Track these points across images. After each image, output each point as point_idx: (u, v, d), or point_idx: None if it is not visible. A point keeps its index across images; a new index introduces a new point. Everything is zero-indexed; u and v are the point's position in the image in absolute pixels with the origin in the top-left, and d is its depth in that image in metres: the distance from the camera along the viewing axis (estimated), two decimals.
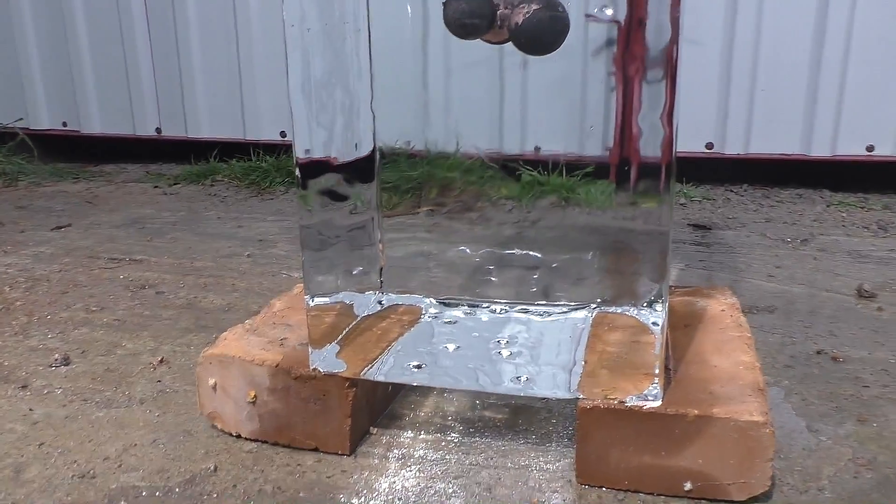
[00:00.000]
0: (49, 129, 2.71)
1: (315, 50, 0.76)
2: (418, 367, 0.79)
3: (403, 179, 1.58)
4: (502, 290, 0.99)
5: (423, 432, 0.83)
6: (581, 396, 0.71)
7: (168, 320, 1.16)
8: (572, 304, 0.93)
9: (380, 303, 0.94)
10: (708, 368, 0.77)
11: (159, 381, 0.96)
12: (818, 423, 0.84)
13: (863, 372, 0.96)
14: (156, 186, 2.31)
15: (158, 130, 2.59)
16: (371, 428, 0.83)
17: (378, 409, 0.85)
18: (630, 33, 2.06)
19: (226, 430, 0.82)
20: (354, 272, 0.92)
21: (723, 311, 0.91)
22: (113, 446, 0.80)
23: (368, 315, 0.91)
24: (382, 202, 1.04)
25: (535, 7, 0.71)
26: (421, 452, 0.79)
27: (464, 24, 0.72)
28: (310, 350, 0.78)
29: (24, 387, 0.95)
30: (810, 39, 1.99)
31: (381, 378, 0.77)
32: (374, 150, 0.91)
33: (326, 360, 0.78)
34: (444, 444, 0.80)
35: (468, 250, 1.21)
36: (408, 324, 0.89)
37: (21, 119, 2.70)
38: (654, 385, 0.71)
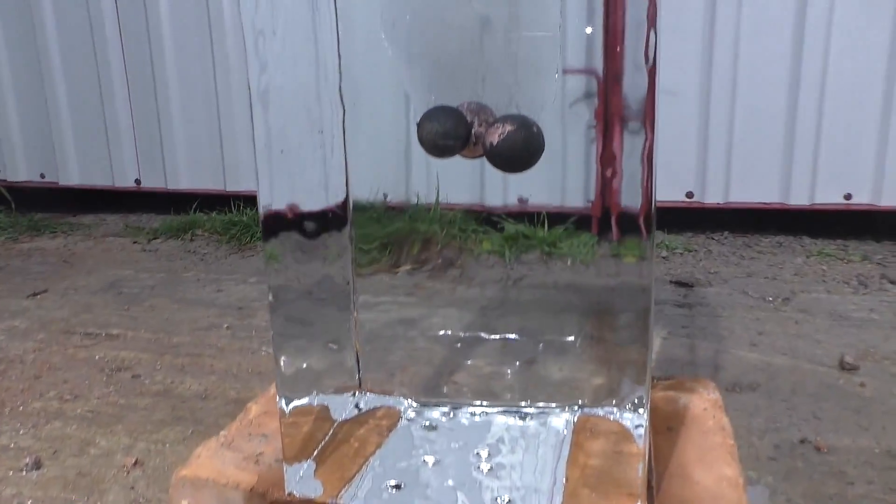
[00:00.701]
0: (27, 181, 2.68)
1: (281, 97, 0.74)
2: (397, 486, 0.77)
3: (382, 235, 1.56)
4: (483, 383, 0.98)
5: None
6: None
7: (143, 410, 1.14)
8: (554, 405, 0.92)
9: (357, 406, 0.92)
10: (690, 485, 0.76)
11: (132, 487, 0.93)
12: None
13: (847, 465, 0.95)
14: (135, 242, 2.28)
15: (138, 182, 2.57)
16: None
17: None
18: (608, 87, 2.07)
19: None
20: (329, 363, 0.90)
21: (705, 410, 0.91)
22: None
23: (345, 420, 0.89)
24: (358, 261, 1.03)
25: (509, 128, 0.70)
26: None
27: (437, 146, 0.71)
28: (284, 469, 0.76)
29: None
30: (785, 89, 2.01)
31: (357, 503, 0.75)
32: (346, 200, 0.87)
33: (302, 481, 0.77)
34: None
35: (449, 332, 1.20)
36: (386, 429, 0.88)
37: None
38: None
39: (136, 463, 0.99)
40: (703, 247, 2.05)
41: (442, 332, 1.20)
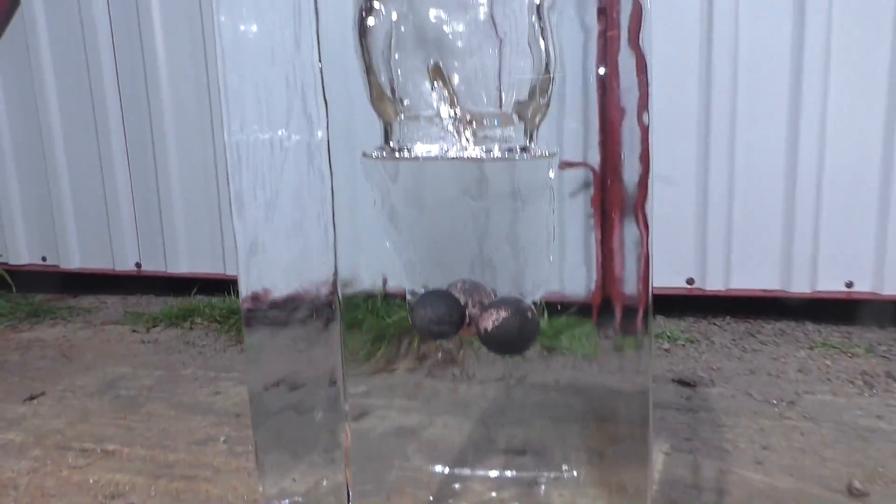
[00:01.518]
0: (28, 265, 2.69)
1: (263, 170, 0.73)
2: None
3: (381, 327, 1.55)
4: None
5: None
6: None
7: None
8: None
9: None
10: None
11: None
12: None
13: None
14: (134, 331, 2.27)
15: (138, 265, 2.57)
16: None
17: None
18: (605, 179, 2.07)
19: None
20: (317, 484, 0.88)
21: None
22: None
23: None
24: (354, 357, 1.01)
25: (503, 314, 0.70)
26: None
27: (431, 332, 0.70)
28: None
29: None
30: (783, 176, 2.01)
31: None
32: (334, 289, 0.85)
33: None
34: None
35: (445, 470, 1.18)
36: None
37: (0, 256, 2.68)
38: None
39: None
40: (704, 336, 2.03)
41: (438, 469, 1.18)
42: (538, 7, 0.62)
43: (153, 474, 1.35)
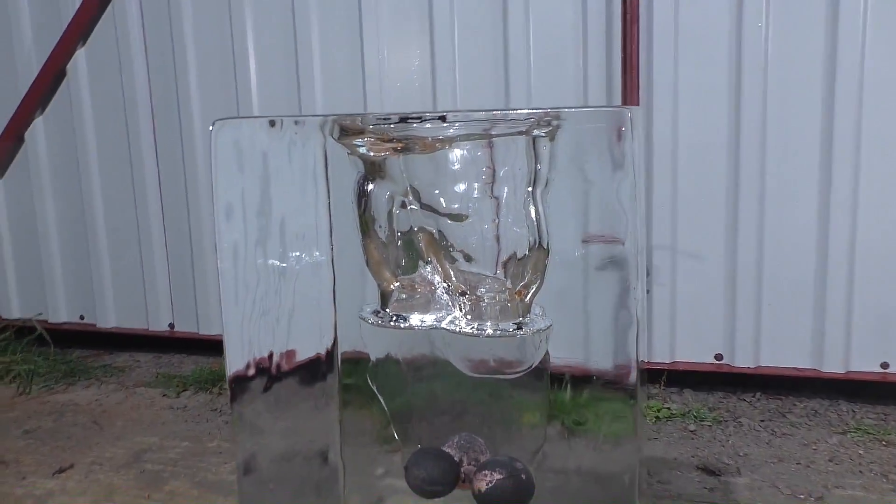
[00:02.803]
0: (66, 323, 2.76)
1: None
2: None
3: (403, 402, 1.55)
4: None
5: None
6: None
7: None
8: None
9: None
10: None
11: None
12: None
13: None
14: (164, 395, 2.31)
15: (171, 326, 2.63)
16: None
17: None
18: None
19: None
20: None
21: None
22: None
23: None
24: (377, 435, 1.01)
25: (497, 477, 0.70)
26: None
27: (424, 491, 0.71)
28: None
29: None
30: (814, 254, 1.98)
31: None
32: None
33: None
34: None
35: None
36: None
37: (41, 314, 2.76)
38: None
39: None
40: (732, 415, 1.99)
41: None
42: (532, 191, 0.63)
43: None
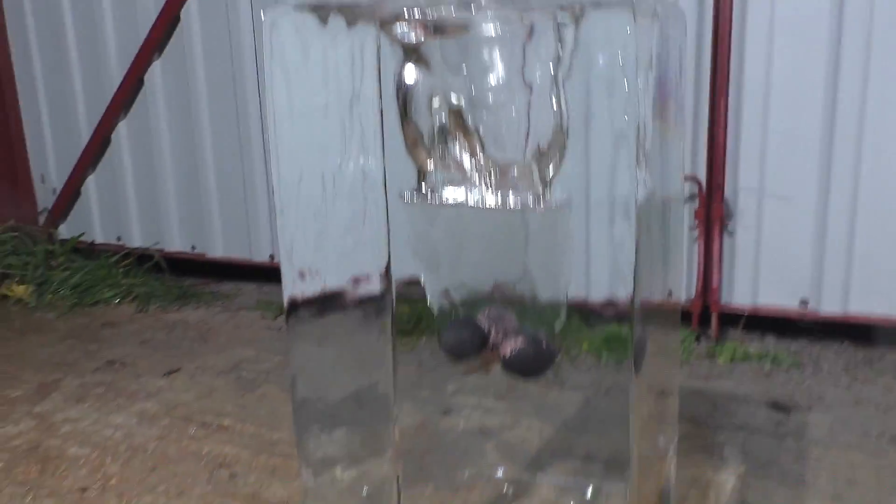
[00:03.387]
0: (180, 252, 2.99)
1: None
2: None
3: None
4: None
5: None
6: None
7: None
8: None
9: None
10: None
11: None
12: None
13: None
14: (263, 317, 2.49)
15: (272, 257, 2.80)
16: None
17: None
18: (710, 192, 2.05)
19: None
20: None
21: None
22: None
23: None
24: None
25: (520, 343, 0.76)
26: None
27: (454, 354, 0.78)
28: None
29: None
30: None
31: None
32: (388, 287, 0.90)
33: None
34: None
35: (506, 477, 1.24)
36: None
37: (157, 242, 3.00)
38: None
39: None
40: (813, 361, 1.95)
41: (500, 473, 1.25)
42: (555, 75, 0.67)
43: (257, 450, 1.51)
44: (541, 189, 0.70)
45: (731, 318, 2.12)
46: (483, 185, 0.70)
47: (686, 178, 2.03)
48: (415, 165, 0.73)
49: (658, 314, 0.88)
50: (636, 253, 0.68)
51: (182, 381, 1.91)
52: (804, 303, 2.05)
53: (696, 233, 2.07)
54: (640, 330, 0.72)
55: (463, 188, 0.72)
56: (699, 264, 2.07)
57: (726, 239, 2.07)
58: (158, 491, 1.36)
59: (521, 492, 1.33)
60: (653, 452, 0.89)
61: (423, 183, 0.75)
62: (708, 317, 2.10)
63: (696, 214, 2.04)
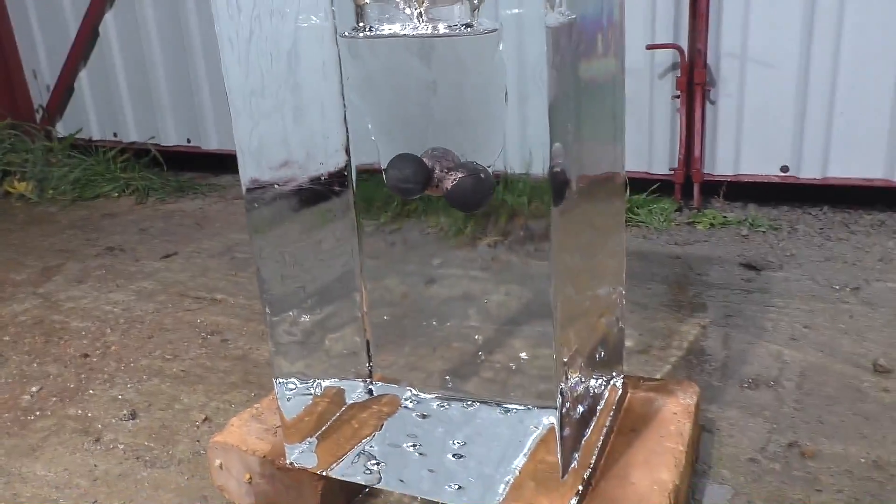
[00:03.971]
0: (175, 146, 3.03)
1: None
2: (377, 464, 0.92)
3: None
4: (484, 376, 1.09)
5: None
6: None
7: (222, 373, 1.36)
8: (531, 405, 1.02)
9: (370, 391, 1.07)
10: (625, 486, 0.85)
11: (198, 440, 1.16)
12: None
13: (825, 472, 0.99)
14: None
15: None
16: None
17: (357, 487, 1.00)
18: (691, 60, 2.05)
19: (231, 500, 1.00)
20: (334, 350, 1.04)
21: (674, 414, 0.98)
22: None
23: (354, 404, 1.05)
24: (445, 233, 1.14)
25: (460, 175, 0.80)
26: None
27: (399, 189, 0.82)
28: (285, 446, 0.93)
29: (97, 440, 1.18)
30: (894, 63, 1.88)
31: (338, 476, 0.91)
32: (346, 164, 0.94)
33: (302, 455, 0.94)
34: None
35: (476, 326, 1.31)
36: (386, 415, 1.03)
37: (153, 137, 3.04)
38: None
39: (205, 419, 1.21)
40: (790, 224, 1.99)
41: (484, 327, 1.31)
42: None
43: (247, 318, 1.60)
44: (469, 17, 0.72)
45: (714, 189, 2.15)
46: (415, 17, 0.72)
47: (667, 47, 2.02)
48: (354, 4, 0.76)
49: (595, 183, 0.91)
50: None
51: (178, 264, 1.99)
52: (784, 169, 2.07)
53: (678, 102, 2.07)
54: (556, 183, 0.74)
55: (397, 23, 0.75)
56: (681, 135, 2.08)
57: (708, 108, 2.07)
58: (155, 355, 1.45)
59: (493, 346, 1.41)
60: (588, 304, 0.93)
61: (360, 21, 0.77)
62: (690, 188, 2.13)
63: (678, 84, 2.04)
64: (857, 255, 1.75)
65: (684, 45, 2.01)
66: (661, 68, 2.08)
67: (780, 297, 1.55)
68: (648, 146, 2.15)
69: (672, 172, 2.13)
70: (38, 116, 3.23)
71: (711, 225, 2.00)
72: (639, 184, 2.16)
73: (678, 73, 2.04)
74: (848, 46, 1.91)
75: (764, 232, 1.94)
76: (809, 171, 2.04)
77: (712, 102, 2.06)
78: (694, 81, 2.02)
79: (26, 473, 1.10)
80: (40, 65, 3.17)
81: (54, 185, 2.81)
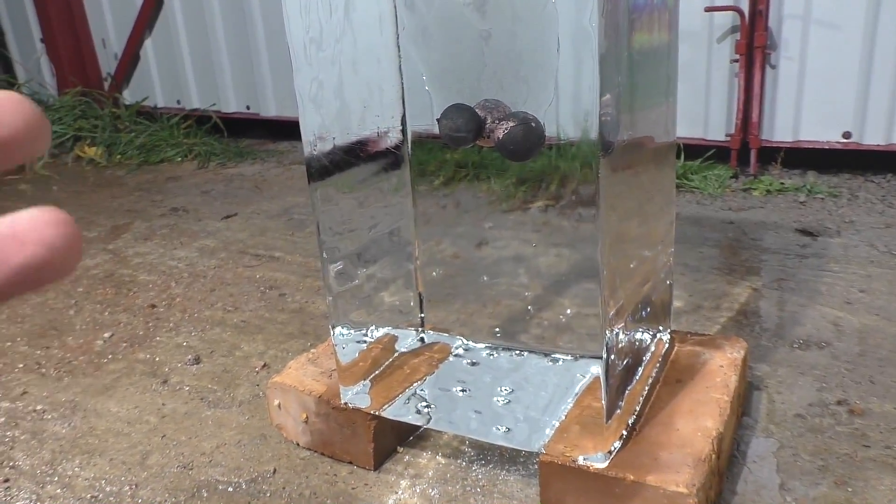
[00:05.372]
0: (235, 113, 3.11)
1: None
2: (427, 406, 0.96)
3: (522, 170, 1.72)
4: (535, 329, 1.12)
5: (439, 454, 1.00)
6: (543, 452, 0.85)
7: (280, 324, 1.42)
8: (585, 353, 1.04)
9: (422, 339, 1.11)
10: (669, 432, 0.87)
11: (258, 384, 1.21)
12: (794, 481, 0.91)
13: (874, 429, 0.99)
14: None
15: None
16: (398, 447, 1.02)
17: (408, 429, 1.04)
18: (752, 22, 2.03)
19: (289, 438, 1.05)
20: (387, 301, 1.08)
21: (721, 366, 0.99)
22: (210, 443, 1.06)
23: (406, 351, 1.09)
24: (496, 197, 1.17)
25: (511, 124, 0.82)
26: (431, 473, 0.97)
27: (452, 138, 0.85)
28: (340, 387, 0.98)
29: (164, 381, 1.24)
30: None
31: (390, 416, 0.96)
32: (403, 136, 0.98)
33: (356, 395, 0.98)
34: (451, 467, 0.98)
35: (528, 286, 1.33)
36: (437, 362, 1.06)
37: (214, 104, 3.12)
38: (603, 452, 0.83)
39: (264, 366, 1.27)
40: (851, 192, 1.95)
41: (532, 287, 1.34)
42: None
43: (304, 275, 1.65)
44: None
45: (772, 155, 2.11)
46: None
47: (727, 10, 1.98)
48: None
49: (644, 145, 0.92)
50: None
51: (238, 223, 2.06)
52: (847, 135, 2.02)
53: (737, 66, 2.03)
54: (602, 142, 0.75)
55: None
56: (739, 100, 2.04)
57: (768, 72, 2.03)
58: (217, 307, 1.52)
59: (542, 305, 1.43)
60: (636, 263, 0.95)
61: None
62: (747, 154, 2.10)
63: (738, 47, 2.00)
64: None
65: (745, 6, 1.97)
66: (720, 31, 2.04)
67: (837, 262, 1.53)
68: (705, 111, 2.12)
69: (728, 138, 2.10)
70: (107, 84, 3.35)
71: (768, 191, 1.97)
72: (694, 150, 2.14)
73: (738, 36, 2.00)
74: None
75: (822, 199, 1.91)
76: (873, 137, 1.99)
77: (773, 66, 2.02)
78: (754, 45, 1.98)
79: (101, 409, 1.17)
80: (108, 34, 3.28)
81: (122, 150, 2.92)
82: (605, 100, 0.76)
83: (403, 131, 0.99)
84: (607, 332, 0.82)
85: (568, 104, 0.84)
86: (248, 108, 3.09)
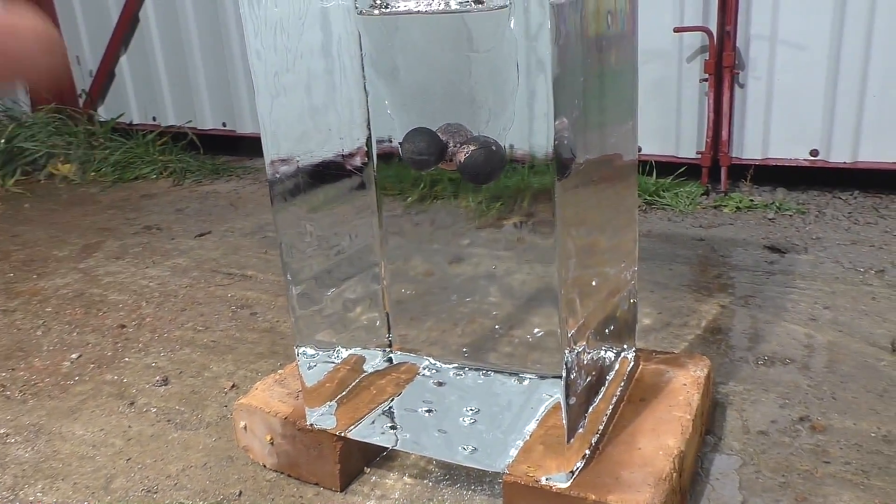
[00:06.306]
0: (211, 129, 3.10)
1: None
2: (393, 427, 0.96)
3: (498, 187, 1.72)
4: (502, 348, 1.12)
5: (406, 475, 1.00)
6: (507, 472, 0.86)
7: (250, 344, 1.41)
8: (548, 373, 1.04)
9: (389, 359, 1.11)
10: (631, 451, 0.87)
11: (226, 405, 1.21)
12: (756, 498, 0.92)
13: (835, 445, 1.00)
14: None
15: None
16: (365, 468, 1.02)
17: (375, 449, 1.04)
18: (720, 43, 2.06)
19: (255, 460, 1.05)
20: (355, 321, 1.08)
21: (684, 385, 1.00)
22: (175, 466, 1.06)
23: (373, 371, 1.08)
24: (470, 213, 1.18)
25: (472, 148, 0.83)
26: (398, 494, 0.97)
27: (413, 161, 0.86)
28: (306, 409, 0.98)
29: (131, 403, 1.23)
30: None
31: (356, 437, 0.96)
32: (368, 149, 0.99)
33: (322, 417, 0.98)
34: (418, 488, 0.98)
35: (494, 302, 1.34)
36: (404, 382, 1.06)
37: (190, 121, 3.11)
38: (565, 472, 0.83)
39: (232, 386, 1.26)
40: (820, 208, 1.98)
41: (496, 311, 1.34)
42: None
43: (276, 294, 1.65)
44: None
45: (741, 173, 2.14)
46: None
47: (696, 30, 2.01)
48: None
49: (605, 162, 0.93)
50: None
51: (212, 242, 2.05)
52: (814, 153, 2.05)
53: (706, 86, 2.06)
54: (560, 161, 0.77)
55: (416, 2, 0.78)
56: (709, 118, 2.08)
57: (737, 91, 2.06)
58: (187, 327, 1.51)
59: (512, 324, 1.44)
60: (598, 281, 0.95)
61: None
62: (717, 171, 2.12)
63: (707, 66, 2.04)
64: (885, 239, 1.74)
65: (713, 27, 2.00)
66: (690, 51, 2.07)
67: (803, 278, 1.55)
68: (676, 129, 2.15)
69: (699, 156, 2.13)
70: (81, 101, 3.34)
71: (738, 208, 2.00)
72: (666, 167, 2.17)
73: (707, 55, 2.03)
74: (881, 27, 1.89)
75: (791, 215, 1.94)
76: (840, 155, 2.02)
77: (741, 85, 2.06)
78: (723, 64, 2.01)
79: (66, 432, 1.16)
80: (83, 51, 3.26)
81: (96, 167, 2.91)
82: (558, 124, 0.77)
83: (369, 153, 1.00)
84: (566, 351, 0.83)
85: (525, 127, 0.84)
86: (224, 125, 3.09)
